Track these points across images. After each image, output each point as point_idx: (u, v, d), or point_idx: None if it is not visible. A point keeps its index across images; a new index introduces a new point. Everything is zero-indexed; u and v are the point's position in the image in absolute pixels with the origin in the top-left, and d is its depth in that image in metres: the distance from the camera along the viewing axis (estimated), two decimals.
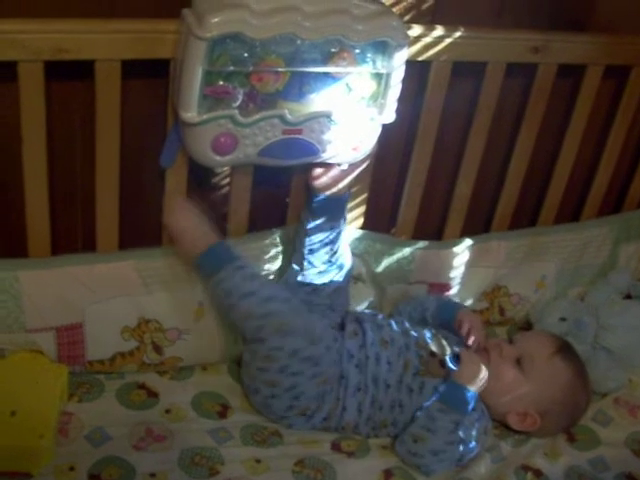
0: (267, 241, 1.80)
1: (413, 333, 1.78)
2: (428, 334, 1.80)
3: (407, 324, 1.81)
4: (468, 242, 2.00)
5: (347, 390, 1.68)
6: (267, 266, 1.81)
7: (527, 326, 2.12)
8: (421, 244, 1.96)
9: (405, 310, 1.92)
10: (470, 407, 1.64)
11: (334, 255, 1.76)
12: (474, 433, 1.66)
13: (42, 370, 1.60)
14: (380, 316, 1.84)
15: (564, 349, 1.82)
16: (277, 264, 1.83)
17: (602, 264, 2.20)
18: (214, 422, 1.66)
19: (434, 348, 1.76)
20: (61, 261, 1.63)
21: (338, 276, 1.78)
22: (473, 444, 1.66)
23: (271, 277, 1.82)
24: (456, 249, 1.98)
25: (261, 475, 1.57)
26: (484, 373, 1.66)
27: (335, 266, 1.78)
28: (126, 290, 1.68)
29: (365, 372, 1.69)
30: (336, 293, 1.81)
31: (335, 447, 1.68)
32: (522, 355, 1.77)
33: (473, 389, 1.64)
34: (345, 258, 1.81)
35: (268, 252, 1.80)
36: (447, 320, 1.85)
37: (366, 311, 1.90)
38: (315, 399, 1.66)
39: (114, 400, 1.66)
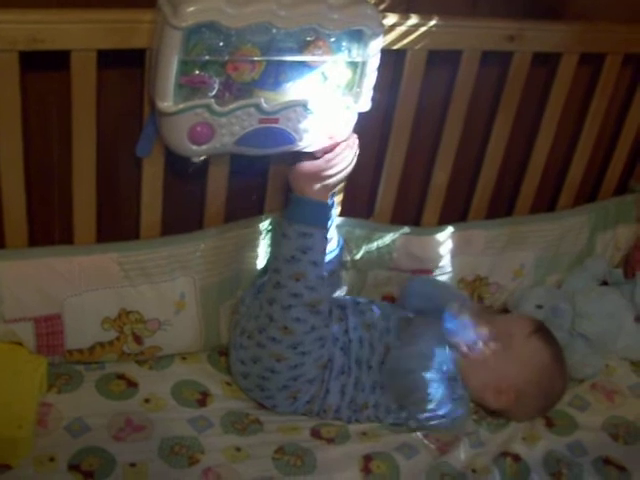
0: (248, 229, 1.80)
1: (393, 316, 1.80)
2: (407, 317, 1.82)
3: (389, 307, 1.83)
4: (449, 229, 2.01)
5: (332, 373, 1.69)
6: (249, 254, 1.82)
7: (504, 313, 2.13)
8: (401, 230, 1.96)
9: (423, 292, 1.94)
10: None
11: None
12: (445, 389, 1.69)
13: (21, 361, 1.60)
14: (362, 301, 1.85)
15: (542, 330, 1.84)
16: (259, 252, 1.83)
17: (579, 252, 2.22)
18: (194, 410, 1.67)
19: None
20: (39, 252, 1.63)
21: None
22: (446, 400, 1.70)
23: (254, 266, 1.83)
24: (437, 236, 2.00)
25: (241, 463, 1.57)
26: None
27: None
28: (107, 282, 1.67)
29: (349, 355, 1.71)
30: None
31: (315, 433, 1.69)
32: (501, 334, 1.78)
33: None
34: (332, 245, 1.80)
35: (250, 240, 1.81)
36: None
37: (347, 297, 1.90)
38: (310, 382, 1.67)
39: (93, 390, 1.66)
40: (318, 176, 1.64)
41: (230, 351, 1.75)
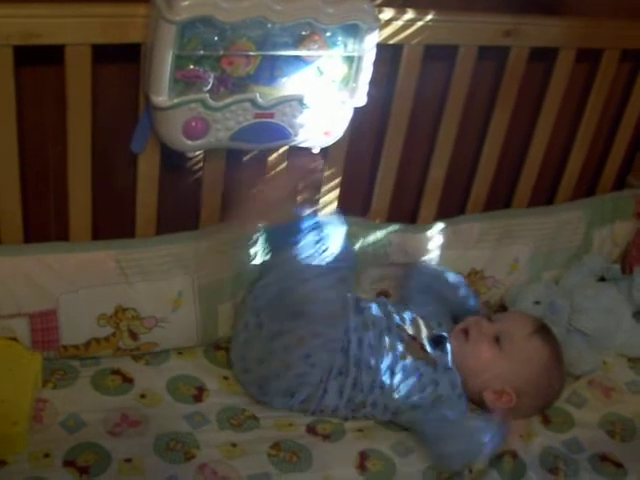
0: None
1: (395, 316, 1.80)
2: (409, 317, 1.81)
3: (390, 307, 1.82)
4: (442, 225, 2.00)
5: (330, 374, 1.67)
6: (249, 254, 1.79)
7: (502, 310, 2.12)
8: (396, 227, 1.96)
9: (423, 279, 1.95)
10: None
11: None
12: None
13: (16, 357, 1.60)
14: (360, 299, 1.84)
15: (543, 330, 1.83)
16: (258, 252, 1.81)
17: (576, 247, 2.21)
18: (189, 406, 1.66)
19: (415, 331, 1.78)
20: (34, 249, 1.63)
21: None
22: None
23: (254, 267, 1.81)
24: (430, 232, 1.99)
25: (237, 459, 1.57)
26: None
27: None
28: (104, 280, 1.67)
29: (348, 356, 1.69)
30: None
31: (311, 430, 1.68)
32: (501, 333, 1.78)
33: None
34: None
35: (249, 239, 1.78)
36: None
37: (349, 295, 1.84)
38: (312, 386, 1.66)
39: (89, 386, 1.66)
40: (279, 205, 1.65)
41: (232, 343, 1.74)
